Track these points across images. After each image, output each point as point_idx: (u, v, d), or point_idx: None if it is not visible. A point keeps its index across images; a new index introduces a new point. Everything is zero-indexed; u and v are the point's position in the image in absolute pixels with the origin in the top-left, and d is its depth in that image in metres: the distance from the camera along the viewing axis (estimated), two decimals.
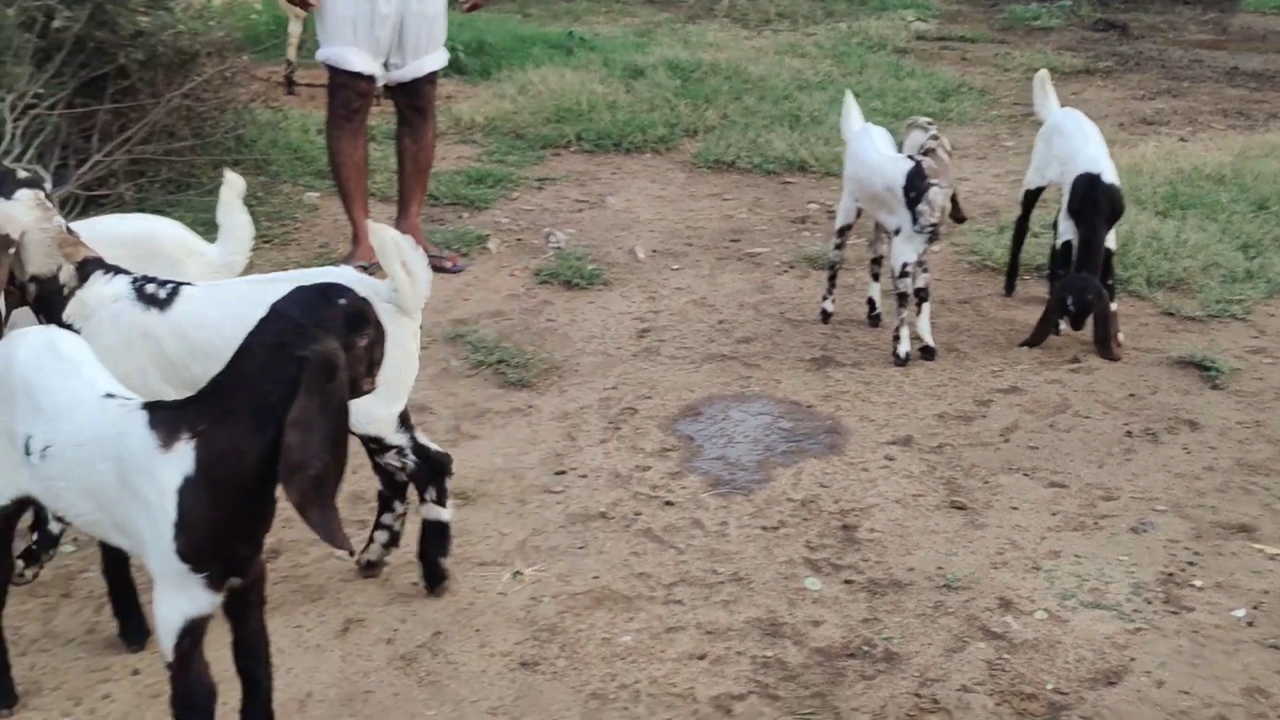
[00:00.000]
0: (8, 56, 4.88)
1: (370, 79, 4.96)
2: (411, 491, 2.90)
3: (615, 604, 2.92)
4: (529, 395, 4.03)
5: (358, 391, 2.10)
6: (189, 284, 2.73)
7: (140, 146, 5.30)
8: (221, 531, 2.01)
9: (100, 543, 2.61)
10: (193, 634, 2.09)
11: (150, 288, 2.69)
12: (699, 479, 3.51)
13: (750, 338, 4.53)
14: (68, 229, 2.73)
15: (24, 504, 2.35)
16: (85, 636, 2.74)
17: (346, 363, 2.01)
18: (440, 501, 2.84)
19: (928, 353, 4.31)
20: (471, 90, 8.14)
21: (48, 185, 4.42)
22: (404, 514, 2.96)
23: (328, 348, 1.97)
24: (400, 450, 2.78)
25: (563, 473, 3.53)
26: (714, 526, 3.27)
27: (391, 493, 2.93)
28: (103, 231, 3.04)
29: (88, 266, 2.70)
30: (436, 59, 5.10)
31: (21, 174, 2.74)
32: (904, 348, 4.26)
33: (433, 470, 2.82)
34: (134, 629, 2.68)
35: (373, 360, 2.11)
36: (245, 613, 2.21)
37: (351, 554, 2.58)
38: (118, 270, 2.73)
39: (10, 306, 2.73)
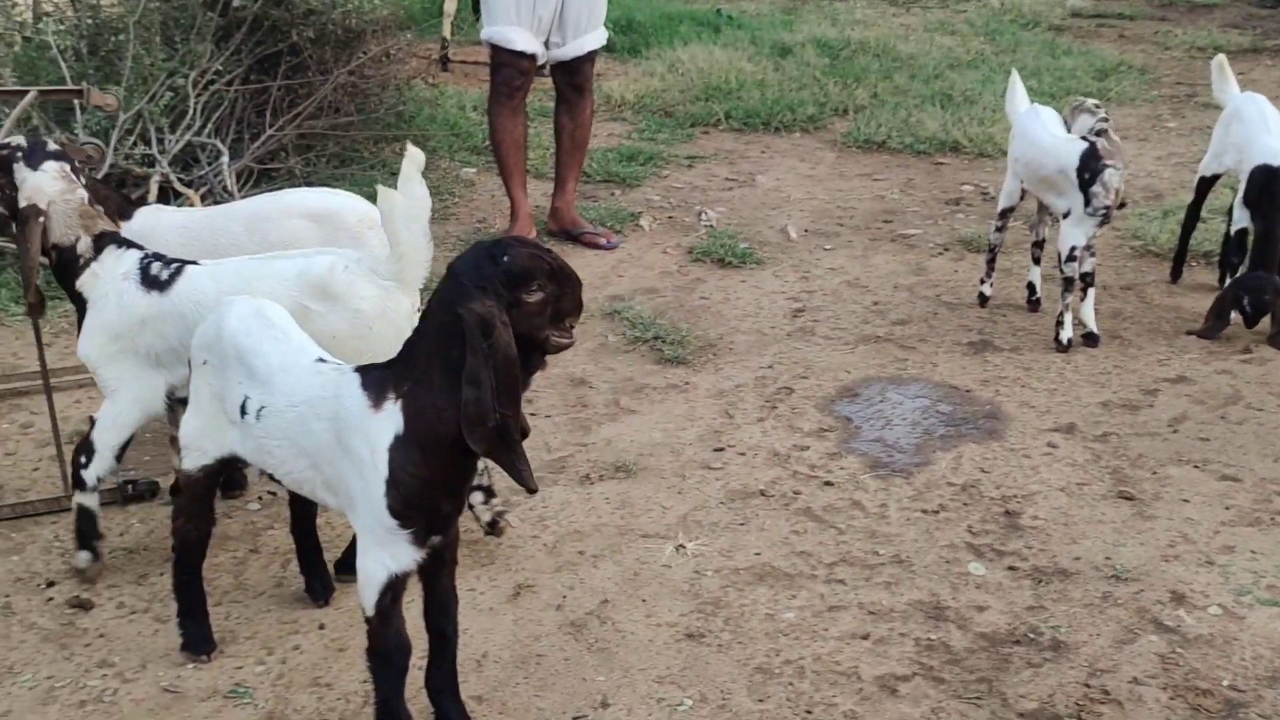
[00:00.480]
0: (192, 35, 5.10)
1: (532, 58, 5.05)
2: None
3: (777, 581, 2.95)
4: (685, 372, 4.08)
5: (546, 345, 2.09)
6: (194, 263, 2.79)
7: (309, 121, 5.49)
8: (429, 488, 2.10)
9: (290, 502, 2.74)
10: (394, 590, 2.19)
11: (155, 268, 2.77)
12: (857, 460, 3.52)
13: (905, 320, 4.50)
14: (89, 201, 2.84)
15: (229, 463, 2.48)
16: (274, 590, 2.88)
17: (517, 318, 2.02)
18: None
19: (1090, 339, 4.22)
20: (620, 68, 8.21)
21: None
22: (485, 469, 2.97)
23: (482, 305, 1.99)
24: None
25: (721, 450, 3.57)
26: (874, 508, 3.27)
27: None
28: (290, 204, 3.16)
29: (103, 240, 2.81)
30: (596, 38, 5.16)
31: (51, 146, 2.87)
32: (1066, 333, 4.19)
33: None
34: (319, 585, 2.81)
35: (559, 313, 2.07)
36: (438, 572, 2.30)
37: (535, 491, 2.54)
38: (130, 245, 2.83)
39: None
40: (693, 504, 3.28)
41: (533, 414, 3.75)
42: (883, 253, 5.21)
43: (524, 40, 4.97)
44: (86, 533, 2.89)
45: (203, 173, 5.01)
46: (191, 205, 4.25)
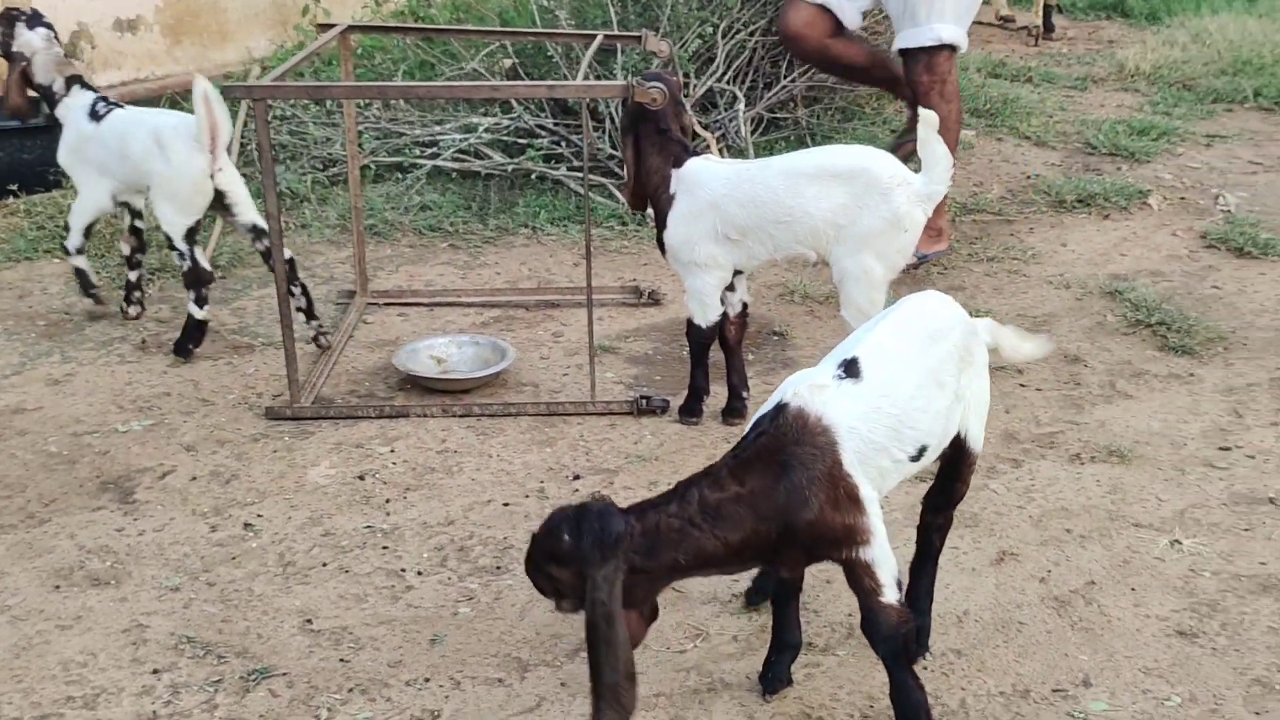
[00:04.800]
0: None
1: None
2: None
3: None
4: (1190, 363, 3.88)
5: None
6: None
7: (819, 74, 5.65)
8: None
9: None
10: None
11: None
12: None
13: None
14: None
15: None
16: None
17: None
18: (197, 303, 3.76)
19: None
20: (1137, 35, 7.78)
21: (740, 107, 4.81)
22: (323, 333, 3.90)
23: None
24: (181, 254, 3.71)
25: (1228, 449, 3.38)
26: None
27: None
28: (824, 161, 3.30)
29: None
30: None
31: None
32: None
33: (197, 278, 3.74)
34: None
35: None
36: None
37: None
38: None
39: None
40: (1191, 500, 3.15)
41: (1023, 384, 3.74)
42: None
43: None
44: None
45: (719, 117, 5.32)
46: (709, 148, 4.54)
